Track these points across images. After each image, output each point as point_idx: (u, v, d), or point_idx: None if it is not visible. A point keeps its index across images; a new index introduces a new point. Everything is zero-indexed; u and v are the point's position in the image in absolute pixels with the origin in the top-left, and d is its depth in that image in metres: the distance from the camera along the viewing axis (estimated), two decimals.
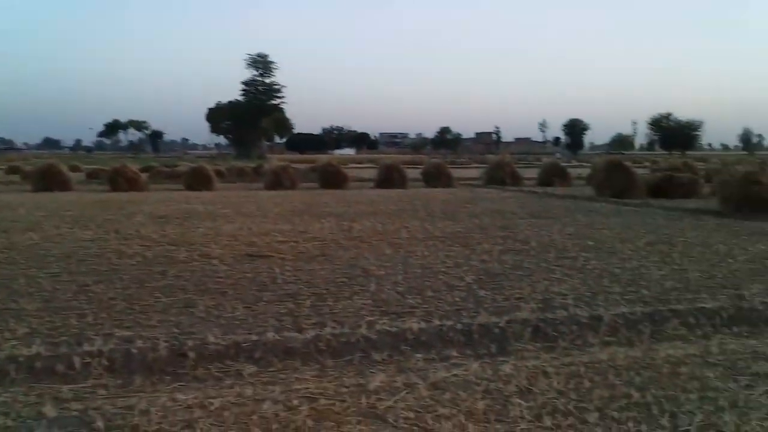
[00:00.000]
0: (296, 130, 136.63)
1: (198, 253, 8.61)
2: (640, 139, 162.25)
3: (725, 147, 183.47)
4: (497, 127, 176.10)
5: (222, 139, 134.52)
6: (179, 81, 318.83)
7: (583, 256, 8.52)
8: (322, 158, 31.09)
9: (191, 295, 6.12)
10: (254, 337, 4.67)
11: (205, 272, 7.27)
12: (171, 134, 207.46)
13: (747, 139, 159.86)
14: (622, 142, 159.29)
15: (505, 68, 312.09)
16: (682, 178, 19.73)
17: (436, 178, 26.10)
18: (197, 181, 23.91)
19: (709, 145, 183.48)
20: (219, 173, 30.25)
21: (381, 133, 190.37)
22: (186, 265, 7.75)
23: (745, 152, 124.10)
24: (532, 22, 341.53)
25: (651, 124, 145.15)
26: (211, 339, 4.63)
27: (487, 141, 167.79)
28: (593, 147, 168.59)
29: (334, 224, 11.97)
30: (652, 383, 3.91)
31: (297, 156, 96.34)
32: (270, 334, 4.74)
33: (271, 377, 4.09)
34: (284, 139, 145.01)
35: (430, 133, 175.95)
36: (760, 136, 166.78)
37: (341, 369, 4.26)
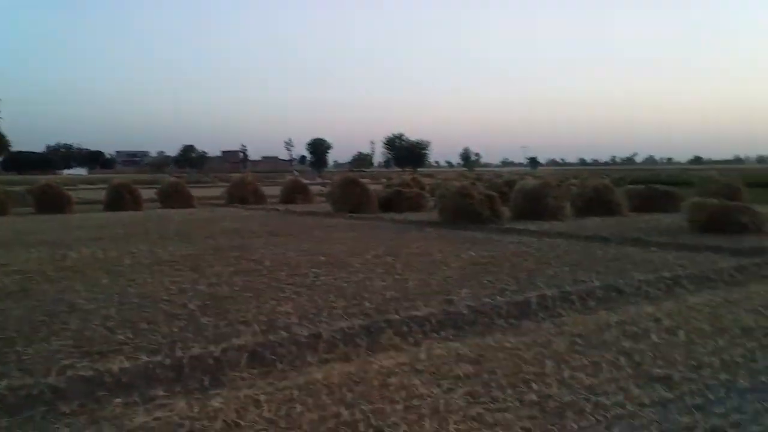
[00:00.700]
0: (15, 148, 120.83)
1: None
2: (378, 158, 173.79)
3: (450, 164, 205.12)
4: (244, 146, 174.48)
5: None
6: None
7: (314, 272, 8.57)
8: (42, 179, 27.61)
9: None
10: None
11: None
12: None
13: (467, 157, 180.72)
14: (362, 160, 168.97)
15: (251, 86, 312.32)
16: (410, 192, 21.32)
17: (173, 198, 24.80)
18: None
19: (437, 162, 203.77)
20: None
21: (118, 152, 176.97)
22: None
23: (465, 168, 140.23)
24: (275, 41, 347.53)
25: (386, 143, 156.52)
26: None
27: (234, 159, 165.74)
28: (337, 165, 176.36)
29: (45, 254, 10.55)
30: (362, 398, 3.92)
31: (15, 177, 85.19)
32: None
33: None
34: (0, 159, 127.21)
35: (173, 151, 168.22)
36: (477, 154, 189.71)
37: (18, 428, 3.58)
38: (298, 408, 3.75)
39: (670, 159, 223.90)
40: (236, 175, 34.92)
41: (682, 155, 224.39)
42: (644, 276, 7.80)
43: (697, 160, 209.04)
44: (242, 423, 3.54)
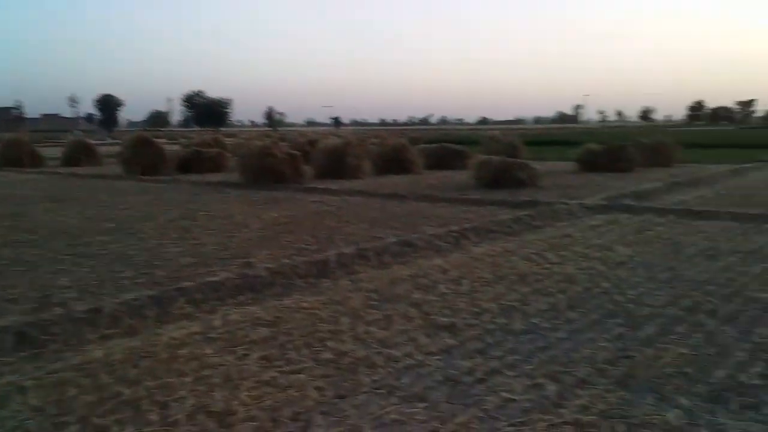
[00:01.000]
0: None
1: None
2: (177, 116, 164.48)
3: (254, 123, 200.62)
4: (18, 101, 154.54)
5: None
6: None
7: (99, 240, 7.90)
8: None
9: None
10: None
11: None
12: None
13: (271, 116, 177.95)
14: (159, 118, 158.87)
15: (27, 35, 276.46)
16: (210, 152, 20.45)
17: None
18: None
19: (240, 121, 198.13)
20: None
21: None
22: None
23: (270, 128, 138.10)
24: None
25: (185, 101, 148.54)
26: None
27: (7, 117, 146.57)
28: (132, 124, 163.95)
29: None
30: (147, 374, 3.66)
31: None
32: None
33: None
34: None
35: None
36: (281, 113, 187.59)
37: None
38: (72, 391, 3.40)
39: (461, 120, 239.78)
40: (9, 135, 30.88)
41: (471, 116, 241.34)
42: (434, 230, 8.24)
43: (483, 121, 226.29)
44: (2, 414, 3.12)
